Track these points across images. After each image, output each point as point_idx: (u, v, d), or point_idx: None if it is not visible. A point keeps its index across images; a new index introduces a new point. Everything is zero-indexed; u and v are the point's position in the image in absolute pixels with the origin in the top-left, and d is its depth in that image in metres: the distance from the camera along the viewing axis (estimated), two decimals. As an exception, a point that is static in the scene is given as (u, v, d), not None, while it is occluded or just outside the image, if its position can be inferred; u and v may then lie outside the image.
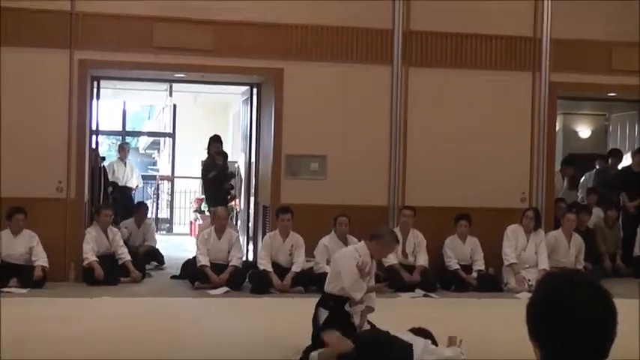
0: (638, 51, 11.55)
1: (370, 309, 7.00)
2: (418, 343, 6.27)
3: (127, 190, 14.79)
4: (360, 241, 7.59)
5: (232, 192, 13.90)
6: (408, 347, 6.11)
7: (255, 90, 12.33)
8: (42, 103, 10.49)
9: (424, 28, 11.26)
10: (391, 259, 10.32)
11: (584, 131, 16.63)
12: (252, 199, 12.71)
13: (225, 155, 13.58)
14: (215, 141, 13.47)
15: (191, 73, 11.47)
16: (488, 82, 11.47)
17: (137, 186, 15.71)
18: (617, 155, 13.96)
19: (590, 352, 1.94)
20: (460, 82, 11.39)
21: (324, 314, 6.81)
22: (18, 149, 10.38)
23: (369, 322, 6.96)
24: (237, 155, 15.09)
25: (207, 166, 13.54)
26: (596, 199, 13.17)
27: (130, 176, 15.18)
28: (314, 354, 6.13)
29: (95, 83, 11.64)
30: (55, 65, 10.48)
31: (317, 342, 6.54)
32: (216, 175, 13.18)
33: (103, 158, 13.65)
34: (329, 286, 6.96)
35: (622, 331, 1.97)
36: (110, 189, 13.45)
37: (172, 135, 19.30)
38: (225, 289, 10.17)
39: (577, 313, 1.93)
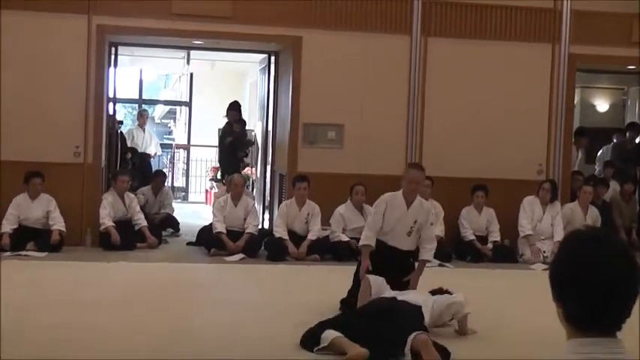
0: (658, 24, 11.46)
1: (425, 262, 7.19)
2: (428, 302, 6.30)
3: (145, 157, 14.82)
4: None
5: (245, 160, 13.91)
6: (417, 310, 6.13)
7: (272, 58, 12.30)
8: (59, 68, 10.51)
9: (444, -3, 11.20)
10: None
11: (601, 105, 16.50)
12: (268, 167, 12.73)
13: (244, 123, 13.57)
14: (233, 108, 13.46)
15: (209, 40, 11.45)
16: (508, 54, 11.40)
17: (156, 153, 15.74)
18: (635, 129, 13.86)
19: (612, 311, 1.92)
20: (479, 53, 11.32)
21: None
22: (35, 114, 10.43)
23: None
24: (253, 124, 15.09)
25: (224, 133, 13.55)
26: (612, 172, 13.11)
27: (149, 143, 15.22)
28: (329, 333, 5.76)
29: (113, 49, 11.64)
30: (74, 30, 10.49)
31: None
32: (232, 142, 13.18)
33: (121, 122, 13.64)
34: None
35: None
36: (129, 155, 13.48)
37: (189, 104, 19.31)
38: (240, 255, 10.20)
39: (595, 273, 1.89)
